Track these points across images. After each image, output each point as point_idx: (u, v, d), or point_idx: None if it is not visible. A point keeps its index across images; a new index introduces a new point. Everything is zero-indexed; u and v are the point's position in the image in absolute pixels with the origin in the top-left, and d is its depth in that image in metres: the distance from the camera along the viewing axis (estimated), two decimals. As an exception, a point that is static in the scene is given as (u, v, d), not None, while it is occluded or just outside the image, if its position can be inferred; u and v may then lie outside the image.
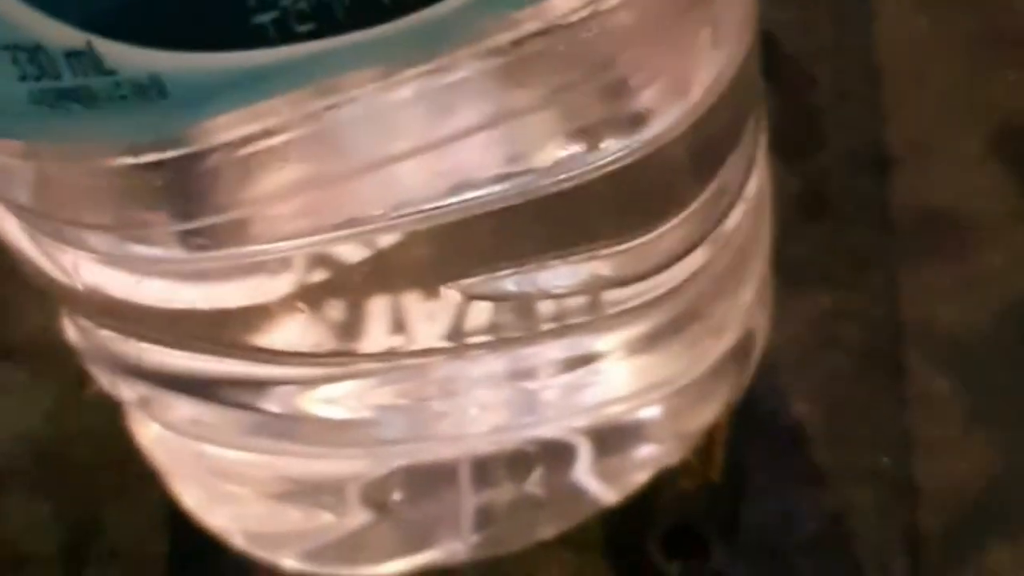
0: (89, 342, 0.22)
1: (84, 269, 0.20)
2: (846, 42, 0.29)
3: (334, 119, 0.17)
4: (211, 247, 0.19)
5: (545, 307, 0.21)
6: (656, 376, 0.23)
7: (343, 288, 0.20)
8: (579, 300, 0.21)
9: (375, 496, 0.24)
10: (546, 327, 0.21)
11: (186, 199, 0.18)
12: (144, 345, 0.21)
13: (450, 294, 0.20)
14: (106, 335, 0.21)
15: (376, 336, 0.21)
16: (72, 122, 0.16)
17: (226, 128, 0.17)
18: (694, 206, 0.21)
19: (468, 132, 0.18)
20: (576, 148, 0.19)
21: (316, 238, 0.19)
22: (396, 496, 0.24)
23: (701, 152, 0.20)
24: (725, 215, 0.22)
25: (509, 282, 0.20)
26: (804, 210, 0.25)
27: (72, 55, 0.15)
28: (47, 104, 0.16)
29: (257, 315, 0.20)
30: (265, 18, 0.15)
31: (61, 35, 0.15)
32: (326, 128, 0.17)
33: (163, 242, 0.19)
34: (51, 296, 0.23)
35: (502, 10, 0.16)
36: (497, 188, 0.19)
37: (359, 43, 0.16)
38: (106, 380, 0.23)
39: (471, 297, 0.20)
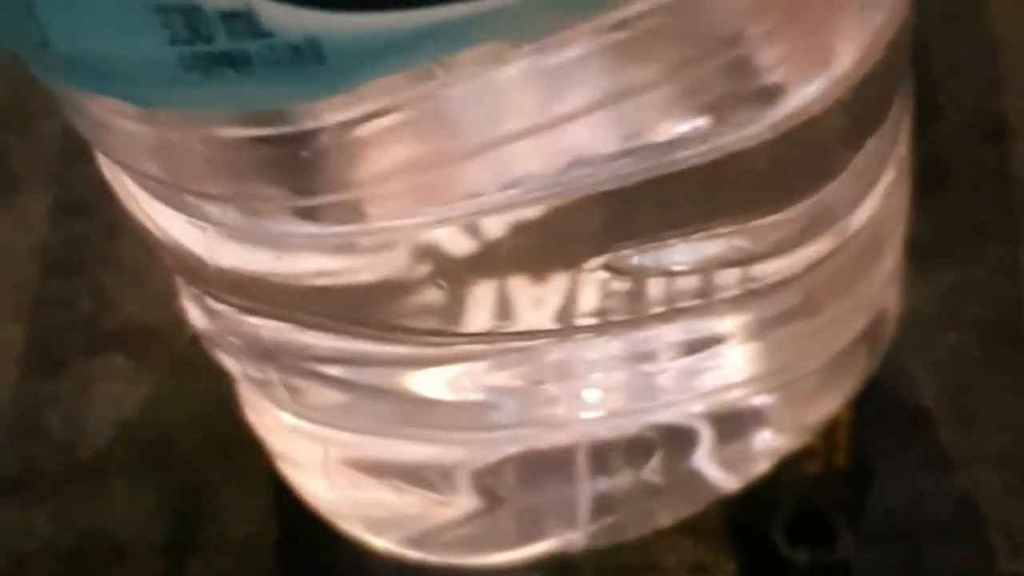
0: (218, 325, 0.21)
1: (219, 245, 0.19)
2: (959, 11, 0.28)
3: (448, 98, 0.16)
4: (325, 224, 0.18)
5: (655, 289, 0.20)
6: (780, 361, 0.23)
7: (467, 268, 0.19)
8: (691, 282, 0.20)
9: (487, 484, 0.24)
10: (656, 310, 0.21)
11: (300, 175, 0.18)
12: (275, 324, 0.20)
13: (558, 276, 0.20)
14: (237, 316, 0.20)
15: (481, 316, 0.20)
16: (223, 88, 0.15)
17: (341, 107, 0.16)
18: (834, 183, 0.20)
19: (584, 110, 0.17)
20: (698, 124, 0.18)
21: (425, 219, 0.19)
22: (509, 484, 0.24)
23: (848, 126, 0.19)
24: (868, 190, 0.21)
25: (625, 262, 0.20)
26: (921, 184, 0.24)
27: (229, 16, 0.15)
28: (198, 69, 0.15)
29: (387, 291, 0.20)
30: None
31: None
32: (440, 107, 0.17)
33: (280, 217, 0.18)
34: (169, 279, 0.23)
35: None
36: (614, 166, 0.18)
37: (512, 4, 0.15)
38: (233, 365, 0.22)
39: (583, 278, 0.20)
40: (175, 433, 0.27)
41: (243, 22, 0.15)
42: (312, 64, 0.15)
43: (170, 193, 0.19)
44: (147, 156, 0.18)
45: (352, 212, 0.18)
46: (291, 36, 0.15)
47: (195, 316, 0.22)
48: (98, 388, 0.27)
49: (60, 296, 0.28)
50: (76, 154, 0.30)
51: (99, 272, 0.28)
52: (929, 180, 0.27)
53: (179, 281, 0.22)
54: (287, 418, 0.22)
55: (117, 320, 0.28)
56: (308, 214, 0.18)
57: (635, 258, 0.20)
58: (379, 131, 0.17)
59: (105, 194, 0.29)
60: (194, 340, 0.26)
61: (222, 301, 0.20)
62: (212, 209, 0.18)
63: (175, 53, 0.15)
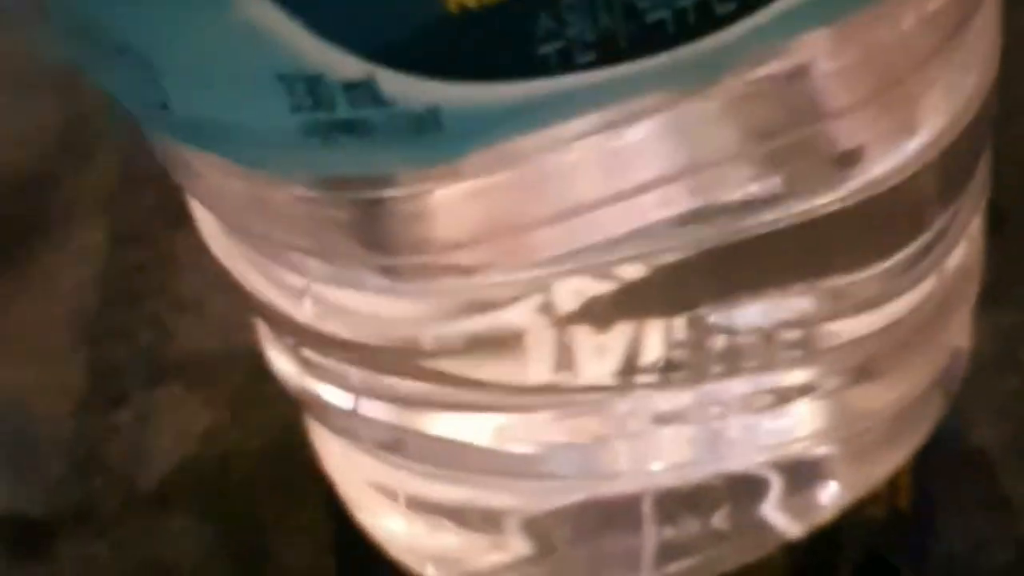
0: (313, 375, 0.21)
1: (317, 299, 0.19)
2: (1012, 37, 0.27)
3: (531, 167, 0.17)
4: (407, 281, 0.19)
5: (719, 344, 0.20)
6: (850, 413, 0.22)
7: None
8: (757, 338, 0.20)
9: (541, 531, 0.23)
10: (719, 366, 0.21)
11: (378, 234, 0.18)
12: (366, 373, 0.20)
13: (623, 334, 0.20)
14: (334, 365, 0.20)
15: (541, 370, 0.20)
16: (339, 154, 0.15)
17: (416, 176, 0.16)
18: (917, 244, 0.20)
19: (659, 180, 0.18)
20: (773, 190, 0.18)
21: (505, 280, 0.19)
22: (566, 532, 0.23)
23: (936, 187, 0.19)
24: (952, 246, 0.21)
25: (694, 322, 0.20)
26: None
27: (351, 86, 0.15)
28: (318, 136, 0.15)
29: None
30: (550, 48, 0.15)
31: (343, 65, 0.14)
32: (519, 176, 0.17)
33: (363, 272, 0.18)
34: (227, 311, 0.22)
35: (783, 38, 0.16)
36: (684, 231, 0.18)
37: (636, 73, 0.15)
38: (326, 415, 0.22)
39: (650, 337, 0.20)
40: (235, 465, 0.27)
41: (366, 91, 0.15)
42: (431, 131, 0.15)
43: (270, 247, 0.19)
44: (246, 210, 0.18)
45: (429, 272, 0.18)
46: (412, 105, 0.15)
47: (284, 368, 0.22)
48: (158, 420, 0.27)
49: (119, 328, 0.28)
50: (133, 184, 0.30)
51: (157, 303, 0.28)
52: (989, 219, 0.26)
53: (265, 333, 0.22)
54: (365, 462, 0.22)
55: (176, 351, 0.28)
56: (391, 272, 0.18)
57: (702, 317, 0.20)
58: (455, 197, 0.17)
59: (162, 223, 0.29)
60: (252, 372, 0.27)
61: (321, 354, 0.20)
62: (310, 263, 0.19)
63: (296, 120, 0.15)
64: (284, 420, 0.25)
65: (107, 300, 0.29)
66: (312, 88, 0.15)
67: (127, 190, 0.30)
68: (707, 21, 0.15)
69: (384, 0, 0.14)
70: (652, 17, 0.15)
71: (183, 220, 0.25)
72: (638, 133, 0.17)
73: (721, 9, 0.15)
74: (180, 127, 0.16)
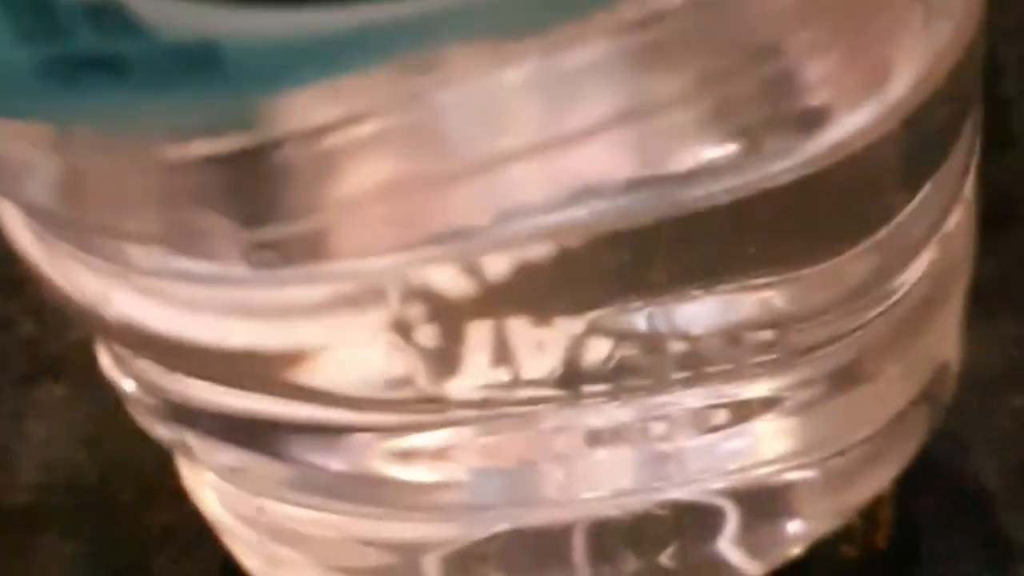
0: (126, 373, 0.19)
1: (117, 296, 0.17)
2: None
3: (434, 105, 0.14)
4: (281, 263, 0.16)
5: (677, 349, 0.18)
6: (822, 432, 0.20)
7: (435, 319, 0.17)
8: (716, 341, 0.18)
9: (461, 567, 0.21)
10: (677, 375, 0.18)
11: (253, 201, 0.15)
12: (190, 380, 0.17)
13: (563, 329, 0.17)
14: (144, 366, 0.18)
15: (471, 376, 0.18)
16: (91, 98, 0.12)
17: (301, 112, 0.14)
18: (891, 226, 0.18)
19: (593, 128, 0.15)
20: (727, 152, 0.16)
21: (407, 255, 0.16)
22: (487, 571, 0.21)
23: (905, 161, 0.17)
24: (934, 231, 0.18)
25: (639, 318, 0.18)
26: (987, 220, 0.21)
27: (95, 8, 0.12)
28: (58, 76, 0.12)
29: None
30: None
31: None
32: (424, 117, 0.14)
33: (223, 256, 0.16)
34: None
35: None
36: (627, 198, 0.16)
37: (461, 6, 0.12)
38: (144, 419, 0.20)
39: (591, 333, 0.18)
40: (120, 476, 0.25)
41: (113, 16, 0.12)
42: (209, 72, 0.12)
43: (67, 230, 0.16)
44: (43, 186, 0.16)
45: (317, 247, 0.16)
46: (179, 36, 0.12)
47: (103, 358, 0.20)
48: (32, 422, 0.25)
49: None
50: None
51: (36, 289, 0.26)
52: (997, 216, 0.24)
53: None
54: (220, 482, 0.20)
55: (58, 344, 0.26)
56: (257, 250, 0.16)
57: (652, 313, 0.18)
58: (352, 143, 0.14)
59: None
60: None
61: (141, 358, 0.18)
62: (133, 251, 0.16)
63: (27, 53, 0.12)
64: None
65: None
66: (42, 10, 0.12)
67: None
68: None
69: None
70: None
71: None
72: (566, 66, 0.14)
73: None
74: None
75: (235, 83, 0.12)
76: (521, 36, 0.13)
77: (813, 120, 0.16)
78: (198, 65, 0.12)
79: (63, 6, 0.12)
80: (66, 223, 0.16)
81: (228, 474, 0.19)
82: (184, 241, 0.16)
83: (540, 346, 0.18)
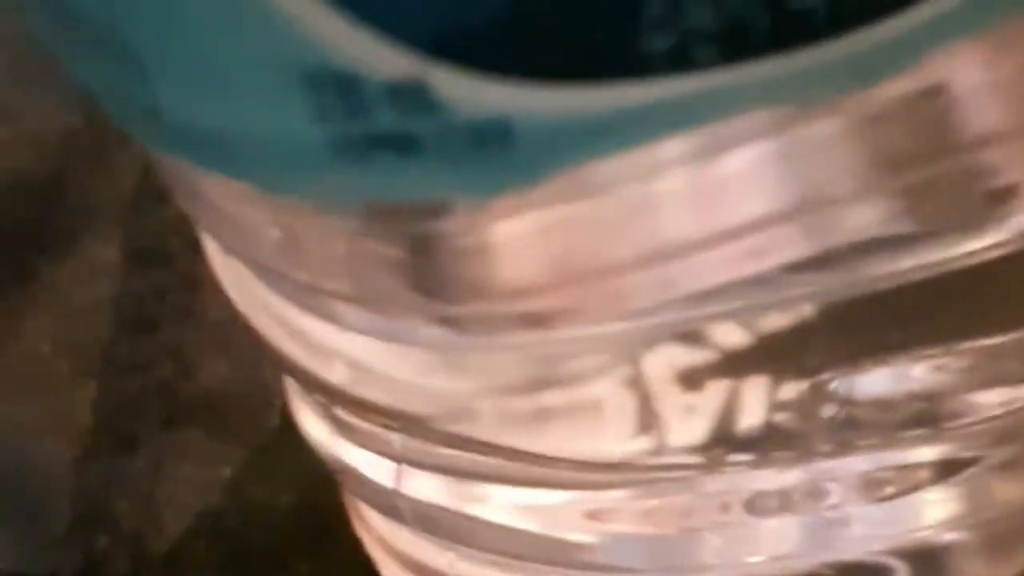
0: (348, 438, 0.19)
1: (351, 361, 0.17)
2: None
3: (618, 198, 0.14)
4: (469, 333, 0.16)
5: (829, 415, 0.18)
6: (983, 500, 0.20)
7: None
8: (871, 411, 0.18)
9: None
10: (827, 443, 0.18)
11: (435, 276, 0.16)
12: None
13: (713, 394, 0.17)
14: (373, 431, 0.18)
15: (617, 441, 0.18)
16: (380, 176, 0.13)
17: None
18: None
19: (772, 218, 0.15)
20: (913, 234, 0.16)
21: (583, 331, 0.16)
22: None
23: None
24: None
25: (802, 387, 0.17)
26: None
27: (396, 89, 0.12)
28: (352, 153, 0.12)
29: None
30: (659, 42, 0.12)
31: (387, 62, 0.11)
32: (607, 207, 0.15)
33: (413, 321, 0.16)
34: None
35: (968, 34, 0.13)
36: (816, 277, 0.16)
37: (768, 75, 0.12)
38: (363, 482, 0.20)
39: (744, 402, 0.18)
40: (260, 522, 0.25)
41: (414, 96, 0.12)
42: (498, 149, 0.12)
43: (296, 290, 0.16)
44: (263, 242, 0.16)
45: (498, 324, 0.16)
46: (475, 115, 0.12)
47: (314, 427, 0.20)
48: (173, 468, 0.26)
49: (131, 359, 0.27)
50: (154, 194, 0.28)
51: (177, 332, 0.27)
52: None
53: (294, 387, 0.20)
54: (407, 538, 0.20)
55: (197, 388, 0.26)
56: (449, 323, 0.16)
57: (821, 383, 0.18)
58: (532, 231, 0.15)
59: (184, 241, 0.27)
60: (284, 413, 0.24)
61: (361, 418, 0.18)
62: (345, 310, 0.16)
63: (324, 132, 0.12)
64: (319, 470, 0.22)
65: (119, 326, 0.27)
66: (345, 91, 0.12)
67: (146, 201, 0.28)
68: (868, 8, 0.12)
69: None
70: (798, 3, 0.12)
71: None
72: (743, 160, 0.15)
73: (886, -7, 0.12)
74: (176, 138, 0.13)
75: (524, 159, 0.12)
76: (802, 105, 0.13)
77: (1000, 201, 0.16)
78: (490, 142, 0.12)
79: (368, 87, 0.12)
80: (287, 281, 0.16)
81: (427, 524, 0.19)
82: (379, 305, 0.16)
83: (687, 413, 0.18)
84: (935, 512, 0.20)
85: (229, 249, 0.17)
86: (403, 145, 0.12)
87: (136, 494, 0.25)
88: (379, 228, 0.15)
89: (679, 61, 0.12)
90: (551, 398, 0.17)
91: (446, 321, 0.16)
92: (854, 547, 0.20)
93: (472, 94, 0.12)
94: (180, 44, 0.12)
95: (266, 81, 0.12)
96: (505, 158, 0.12)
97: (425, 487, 0.19)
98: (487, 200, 0.13)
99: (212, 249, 0.18)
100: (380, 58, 0.11)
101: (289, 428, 0.24)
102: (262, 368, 0.26)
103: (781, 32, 0.12)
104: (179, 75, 0.12)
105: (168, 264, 0.28)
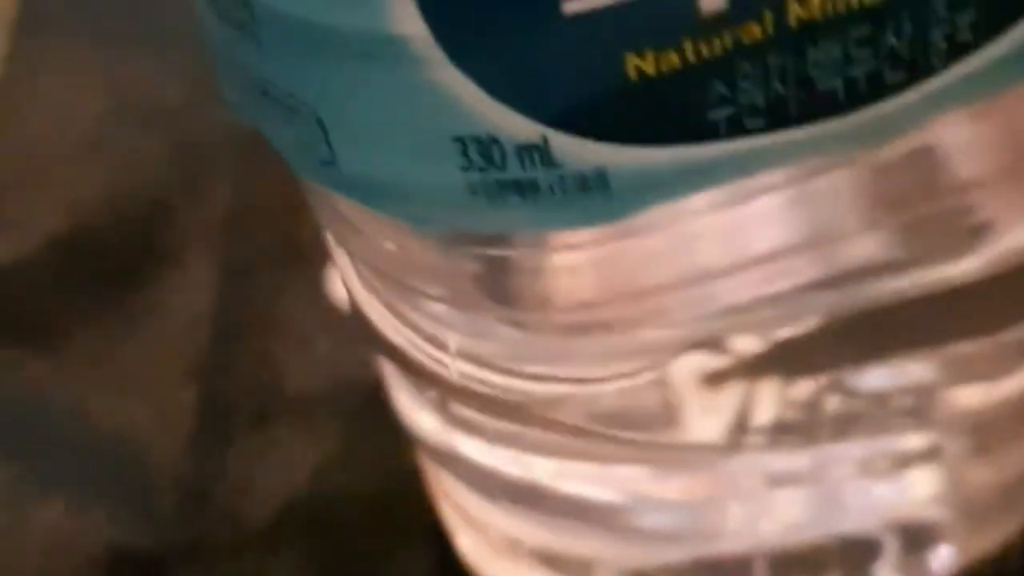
0: (455, 426, 0.21)
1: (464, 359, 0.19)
2: None
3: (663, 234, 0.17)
4: (535, 334, 0.19)
5: (832, 408, 0.20)
6: (965, 479, 0.22)
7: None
8: (869, 404, 0.20)
9: None
10: (828, 431, 0.21)
11: (503, 288, 0.18)
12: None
13: (734, 390, 0.20)
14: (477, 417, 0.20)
15: (648, 425, 0.20)
16: (505, 212, 0.15)
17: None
18: None
19: (790, 250, 0.18)
20: (904, 260, 0.18)
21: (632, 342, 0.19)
22: None
23: None
24: None
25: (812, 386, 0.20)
26: None
27: (524, 148, 0.15)
28: (486, 195, 0.15)
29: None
30: (720, 114, 0.15)
31: (519, 128, 0.15)
32: (650, 243, 0.17)
33: (494, 323, 0.19)
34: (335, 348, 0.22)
35: (954, 106, 0.16)
36: (826, 296, 0.18)
37: (802, 138, 0.15)
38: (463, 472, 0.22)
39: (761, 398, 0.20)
40: (343, 507, 0.27)
41: (537, 153, 0.15)
42: (598, 193, 0.15)
43: (410, 295, 0.19)
44: (388, 259, 0.19)
45: (555, 328, 0.19)
46: (580, 167, 0.15)
47: (422, 419, 0.22)
48: (267, 459, 0.27)
49: (228, 363, 0.28)
50: (245, 219, 0.30)
51: (266, 340, 0.28)
52: None
53: (398, 381, 0.22)
54: (494, 512, 0.22)
55: (285, 390, 0.28)
56: (518, 325, 0.19)
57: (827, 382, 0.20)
58: (579, 260, 0.17)
59: (273, 259, 0.29)
60: (361, 412, 0.27)
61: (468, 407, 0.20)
62: (447, 312, 0.19)
63: (466, 179, 0.15)
64: (393, 462, 0.25)
65: (218, 336, 0.29)
66: (485, 149, 0.15)
67: (239, 225, 0.30)
68: (878, 89, 0.15)
69: (566, 67, 0.14)
70: (824, 85, 0.15)
71: (294, 256, 0.25)
72: (765, 203, 0.17)
73: (892, 78, 0.15)
74: (346, 183, 0.16)
75: (614, 201, 0.15)
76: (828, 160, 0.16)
77: (980, 234, 0.18)
78: (590, 186, 0.15)
79: (501, 146, 0.15)
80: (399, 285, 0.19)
81: (509, 504, 0.22)
82: (464, 307, 0.19)
83: (709, 406, 0.20)
84: (920, 491, 0.22)
85: (366, 266, 0.19)
86: (525, 189, 0.15)
87: (234, 482, 0.27)
88: (461, 249, 0.18)
89: (734, 128, 0.15)
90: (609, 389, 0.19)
91: (517, 324, 0.18)
92: (851, 520, 0.22)
93: (580, 152, 0.15)
94: (357, 111, 0.15)
95: (425, 141, 0.15)
96: (601, 200, 0.15)
97: (512, 464, 0.21)
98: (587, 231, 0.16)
99: (345, 268, 0.20)
100: (514, 125, 0.14)
101: (366, 424, 0.26)
102: (340, 372, 0.28)
103: (811, 107, 0.15)
104: (354, 135, 0.15)
105: (258, 281, 0.29)
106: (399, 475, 0.25)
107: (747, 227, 0.17)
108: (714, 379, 0.20)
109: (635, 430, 0.20)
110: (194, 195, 0.31)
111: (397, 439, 0.24)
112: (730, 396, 0.20)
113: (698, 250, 0.18)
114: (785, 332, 0.19)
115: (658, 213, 0.16)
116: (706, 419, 0.20)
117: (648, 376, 0.19)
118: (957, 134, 0.17)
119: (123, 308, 0.29)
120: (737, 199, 0.17)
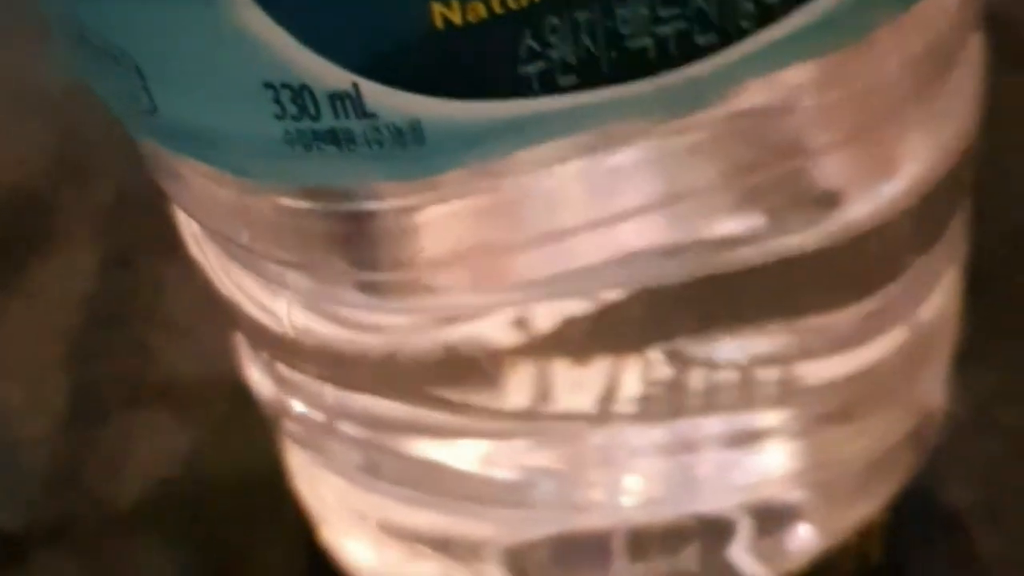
0: (286, 392, 0.21)
1: (295, 313, 0.19)
2: (1004, 117, 0.27)
3: (507, 190, 0.17)
4: (385, 299, 0.19)
5: (696, 380, 0.20)
6: (820, 459, 0.23)
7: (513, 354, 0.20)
8: (732, 375, 0.21)
9: (517, 563, 0.23)
10: (696, 401, 0.21)
11: (361, 250, 0.18)
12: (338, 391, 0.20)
13: (603, 361, 0.20)
14: (308, 384, 0.20)
15: (518, 398, 0.20)
16: (321, 164, 0.16)
17: (403, 193, 0.17)
18: (894, 287, 0.20)
19: (638, 210, 0.18)
20: (752, 227, 0.18)
21: (485, 301, 0.19)
22: (542, 565, 0.23)
23: (913, 233, 0.20)
24: (927, 294, 0.21)
25: (670, 357, 0.20)
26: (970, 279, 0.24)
27: (336, 96, 0.15)
28: (301, 145, 0.15)
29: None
30: (532, 69, 0.15)
31: (329, 75, 0.15)
32: (499, 199, 0.17)
33: (346, 287, 0.19)
34: (215, 338, 0.22)
35: (765, 72, 0.16)
36: (665, 263, 0.18)
37: (617, 98, 0.15)
38: (297, 432, 0.22)
39: (625, 371, 0.20)
40: (213, 491, 0.27)
41: (350, 102, 0.15)
42: (413, 146, 0.15)
43: (250, 257, 0.19)
44: (228, 218, 0.18)
45: (410, 289, 0.19)
46: (395, 118, 0.15)
47: (260, 383, 0.22)
48: (137, 442, 0.27)
49: (103, 349, 0.29)
50: (128, 209, 0.30)
51: (143, 327, 0.28)
52: (969, 282, 0.26)
53: (244, 348, 0.22)
54: (339, 484, 0.22)
55: (159, 375, 0.28)
56: (370, 288, 0.19)
57: (684, 350, 0.20)
58: (438, 217, 0.17)
59: (154, 250, 0.29)
60: (235, 400, 0.26)
61: (296, 369, 0.20)
62: (290, 276, 0.19)
63: (280, 128, 0.15)
64: (264, 450, 0.25)
65: (94, 321, 0.29)
66: (297, 96, 0.15)
67: (121, 214, 0.30)
68: (688, 51, 0.15)
69: (372, 14, 0.14)
70: (634, 44, 0.15)
71: (175, 247, 0.25)
72: (619, 161, 0.17)
73: (702, 40, 0.15)
74: (167, 133, 0.16)
75: (431, 155, 0.15)
76: (646, 122, 0.16)
77: (829, 203, 0.18)
78: (406, 140, 0.15)
79: (312, 94, 0.15)
80: (243, 248, 0.19)
81: (355, 473, 0.22)
82: (317, 272, 0.19)
83: (578, 379, 0.20)
84: (780, 468, 0.22)
85: (198, 220, 0.19)
86: (340, 139, 0.15)
87: (103, 463, 0.27)
88: (315, 207, 0.17)
89: (547, 84, 0.15)
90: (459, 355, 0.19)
91: (367, 287, 0.18)
92: (711, 499, 0.22)
93: (392, 102, 0.15)
94: (172, 56, 0.15)
95: (238, 88, 0.15)
96: (417, 154, 0.15)
97: (353, 433, 0.21)
98: (404, 186, 0.16)
99: (184, 223, 0.20)
100: (324, 72, 0.14)
101: (239, 412, 0.26)
102: (216, 361, 0.27)
103: (622, 66, 0.15)
104: (171, 82, 0.15)
105: (138, 270, 0.29)
106: (271, 466, 0.25)
107: (603, 182, 0.17)
108: (576, 336, 0.19)
109: (500, 403, 0.20)
110: (77, 183, 0.31)
111: (271, 429, 0.24)
112: (597, 371, 0.20)
113: (554, 205, 0.17)
114: (637, 296, 0.19)
115: (513, 164, 0.16)
116: (575, 393, 0.20)
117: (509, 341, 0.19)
118: (802, 97, 0.17)
119: (3, 292, 0.29)
120: (594, 151, 0.17)
